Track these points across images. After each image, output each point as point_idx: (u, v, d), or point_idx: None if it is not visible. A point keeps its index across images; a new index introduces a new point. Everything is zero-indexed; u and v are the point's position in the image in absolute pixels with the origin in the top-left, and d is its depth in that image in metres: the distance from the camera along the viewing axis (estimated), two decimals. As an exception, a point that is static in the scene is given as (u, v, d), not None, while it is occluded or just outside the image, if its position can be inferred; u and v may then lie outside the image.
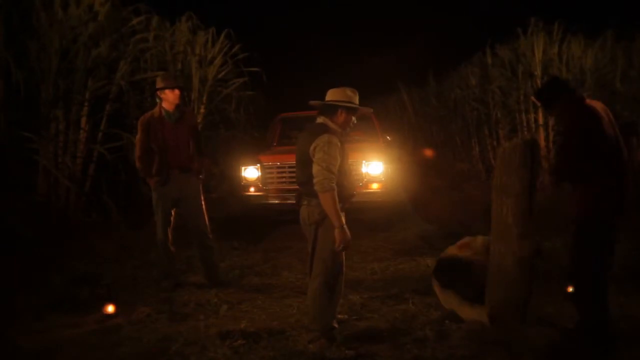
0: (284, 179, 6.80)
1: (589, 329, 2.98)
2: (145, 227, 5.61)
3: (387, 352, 3.07)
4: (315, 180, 2.99)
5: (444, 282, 3.54)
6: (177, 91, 4.39)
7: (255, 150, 7.36)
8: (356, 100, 3.23)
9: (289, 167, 6.79)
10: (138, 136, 4.40)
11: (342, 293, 3.35)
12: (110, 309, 3.75)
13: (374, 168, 6.58)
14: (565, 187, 3.17)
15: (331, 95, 3.22)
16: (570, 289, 3.70)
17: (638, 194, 6.77)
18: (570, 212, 3.09)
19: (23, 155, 5.50)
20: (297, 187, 3.31)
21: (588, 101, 3.08)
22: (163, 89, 4.35)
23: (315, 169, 3.00)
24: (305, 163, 3.09)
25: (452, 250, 3.73)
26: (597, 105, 3.10)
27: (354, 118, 3.24)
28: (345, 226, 3.04)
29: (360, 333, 3.37)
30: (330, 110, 3.17)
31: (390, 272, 4.88)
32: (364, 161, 6.59)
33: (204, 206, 4.53)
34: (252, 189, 6.84)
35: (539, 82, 8.61)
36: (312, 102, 3.31)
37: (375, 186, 6.55)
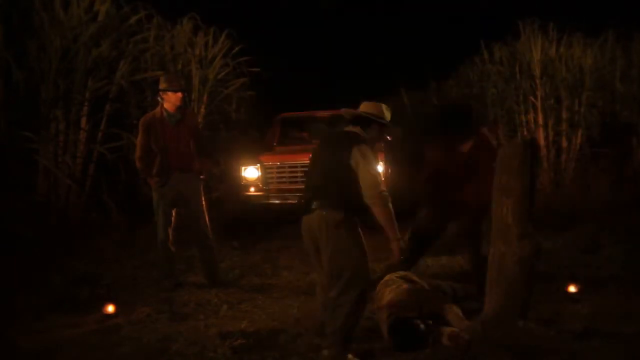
0: (284, 179, 6.80)
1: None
2: (145, 227, 5.61)
3: (388, 352, 3.06)
4: (372, 193, 2.87)
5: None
6: (179, 94, 4.39)
7: (255, 150, 7.36)
8: (389, 117, 3.20)
9: (289, 167, 6.79)
10: (139, 137, 4.40)
11: None
12: (110, 309, 3.75)
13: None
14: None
15: (366, 107, 3.17)
16: (571, 289, 3.72)
17: (638, 194, 6.81)
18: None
19: (23, 155, 5.49)
20: (307, 191, 3.08)
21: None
22: (166, 90, 4.35)
23: (370, 180, 2.87)
24: (331, 168, 2.96)
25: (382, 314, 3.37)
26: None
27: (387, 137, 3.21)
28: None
29: (360, 333, 3.36)
30: (364, 122, 3.12)
31: (390, 272, 4.88)
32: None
33: (204, 206, 4.53)
34: (252, 189, 6.85)
35: (538, 82, 8.61)
36: (345, 111, 3.24)
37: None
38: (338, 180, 2.92)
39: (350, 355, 2.94)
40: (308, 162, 7.21)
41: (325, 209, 2.91)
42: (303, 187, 3.28)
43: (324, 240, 2.93)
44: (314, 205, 2.95)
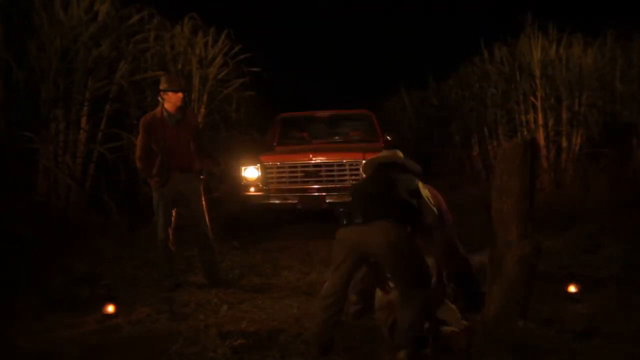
0: (284, 179, 6.80)
1: None
2: (145, 227, 5.61)
3: (387, 352, 3.06)
4: (432, 218, 3.18)
5: None
6: (180, 94, 4.39)
7: (255, 150, 7.36)
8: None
9: (289, 167, 6.79)
10: (139, 137, 4.40)
11: None
12: (110, 309, 3.74)
13: (374, 168, 6.57)
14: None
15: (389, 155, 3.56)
16: (571, 289, 3.72)
17: (638, 194, 6.81)
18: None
19: (23, 155, 5.49)
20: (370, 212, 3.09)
21: None
22: (166, 90, 4.35)
23: (433, 213, 3.19)
24: (394, 192, 3.14)
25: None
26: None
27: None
28: None
29: (359, 333, 3.37)
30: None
31: (390, 272, 4.87)
32: (363, 161, 6.58)
33: (204, 206, 4.53)
34: (252, 189, 6.85)
35: (538, 82, 8.61)
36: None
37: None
38: (400, 205, 3.09)
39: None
40: (308, 162, 7.22)
41: (393, 221, 3.00)
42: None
43: (389, 251, 2.97)
44: (379, 216, 3.01)
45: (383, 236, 2.95)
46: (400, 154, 3.52)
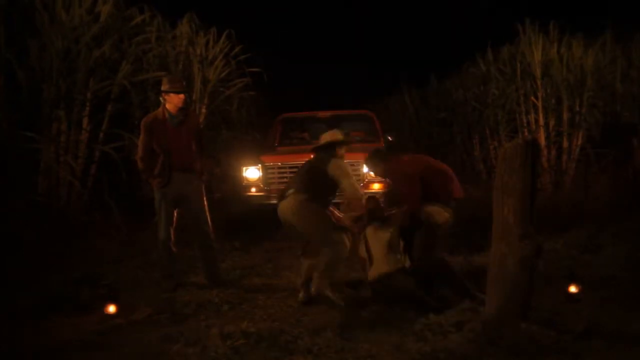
0: (285, 179, 6.80)
1: None
2: (146, 228, 5.61)
3: (387, 352, 3.07)
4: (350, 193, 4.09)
5: None
6: (181, 95, 4.39)
7: (256, 151, 7.37)
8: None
9: (290, 168, 6.79)
10: (141, 137, 4.40)
11: None
12: (111, 309, 3.75)
13: (375, 168, 6.58)
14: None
15: (331, 136, 4.30)
16: (571, 289, 3.72)
17: (638, 195, 6.81)
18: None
19: (24, 155, 5.50)
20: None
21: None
22: (168, 91, 4.36)
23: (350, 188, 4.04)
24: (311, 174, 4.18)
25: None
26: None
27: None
28: None
29: (359, 333, 3.37)
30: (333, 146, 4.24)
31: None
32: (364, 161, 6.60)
33: (205, 206, 4.54)
34: (253, 190, 6.85)
35: (539, 82, 8.61)
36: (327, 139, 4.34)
37: (376, 186, 6.56)
38: (312, 177, 4.04)
39: (329, 290, 3.94)
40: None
41: (299, 193, 3.98)
42: None
43: (293, 217, 4.01)
44: (293, 189, 3.98)
45: (289, 207, 3.96)
46: (334, 136, 4.22)
